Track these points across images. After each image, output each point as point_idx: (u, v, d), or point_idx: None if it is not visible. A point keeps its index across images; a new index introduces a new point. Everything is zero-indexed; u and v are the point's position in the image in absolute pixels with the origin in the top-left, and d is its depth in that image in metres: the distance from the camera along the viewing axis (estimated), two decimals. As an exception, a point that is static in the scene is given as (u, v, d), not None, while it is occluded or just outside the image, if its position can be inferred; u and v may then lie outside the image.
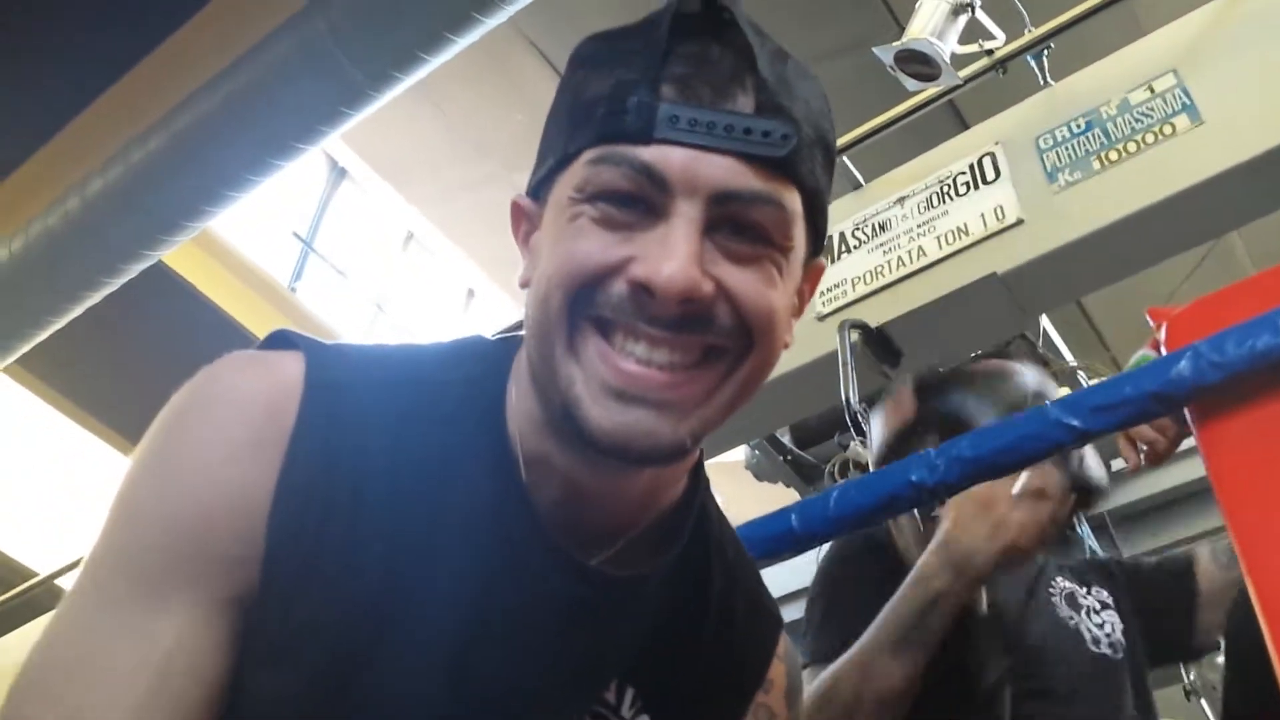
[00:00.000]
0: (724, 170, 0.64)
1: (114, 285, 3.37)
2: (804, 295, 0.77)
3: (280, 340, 0.72)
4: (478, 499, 0.67)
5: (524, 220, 0.75)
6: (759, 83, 0.66)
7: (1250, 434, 0.85)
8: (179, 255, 4.20)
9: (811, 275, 0.77)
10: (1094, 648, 1.31)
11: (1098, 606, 1.37)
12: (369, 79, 2.66)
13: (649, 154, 0.64)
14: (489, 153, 4.83)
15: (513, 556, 0.67)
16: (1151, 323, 1.02)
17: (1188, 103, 2.81)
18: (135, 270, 3.40)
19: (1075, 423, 0.91)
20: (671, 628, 0.75)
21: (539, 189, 0.72)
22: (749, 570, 0.84)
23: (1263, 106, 2.67)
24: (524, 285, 0.72)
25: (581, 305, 0.66)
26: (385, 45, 2.77)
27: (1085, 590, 1.39)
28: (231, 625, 0.61)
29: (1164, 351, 0.95)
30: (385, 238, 5.52)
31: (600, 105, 0.66)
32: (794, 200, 0.67)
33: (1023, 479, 1.10)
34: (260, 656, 0.61)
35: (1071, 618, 1.33)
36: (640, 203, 0.65)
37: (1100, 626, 1.34)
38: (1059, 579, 1.40)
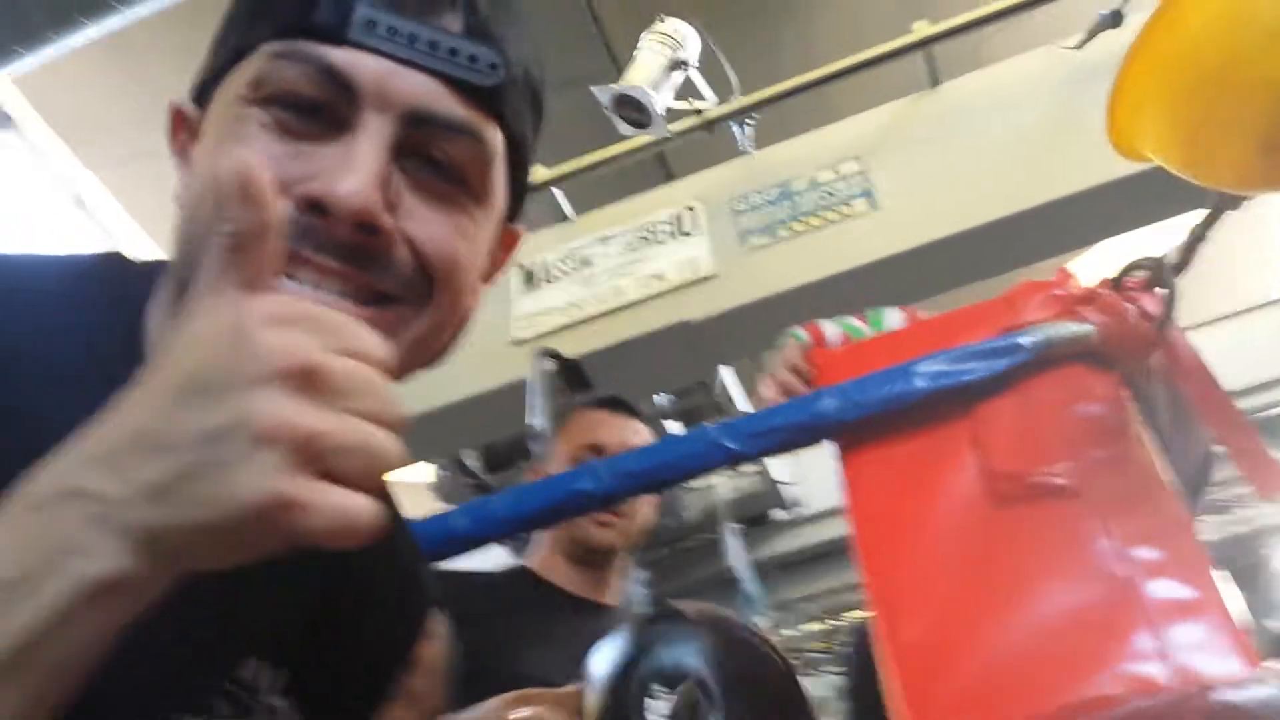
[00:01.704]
0: (424, 89, 0.57)
1: None
2: (497, 261, 0.70)
3: None
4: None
5: (183, 129, 0.65)
6: (470, 4, 0.60)
7: (881, 466, 0.93)
8: None
9: (507, 240, 0.71)
10: None
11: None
12: (50, 20, 2.41)
13: (339, 57, 0.56)
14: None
15: None
16: (809, 367, 1.10)
17: (868, 189, 3.09)
18: None
19: (733, 445, 0.97)
20: (314, 604, 0.66)
21: (205, 91, 0.63)
22: (404, 545, 0.76)
23: (933, 200, 2.98)
24: (178, 192, 0.63)
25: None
26: (77, -12, 2.53)
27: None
28: None
29: (811, 387, 1.03)
30: (52, 198, 5.01)
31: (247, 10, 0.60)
32: (496, 139, 0.61)
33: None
34: None
35: None
36: (321, 112, 0.57)
37: None
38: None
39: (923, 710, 0.77)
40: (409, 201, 0.58)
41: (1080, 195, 2.76)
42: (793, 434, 0.96)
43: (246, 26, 0.61)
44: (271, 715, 0.63)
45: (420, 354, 0.62)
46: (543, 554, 1.51)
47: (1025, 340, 0.93)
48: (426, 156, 0.59)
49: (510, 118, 0.63)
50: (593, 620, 1.41)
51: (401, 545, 0.75)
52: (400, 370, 0.59)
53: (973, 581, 0.83)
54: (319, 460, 0.37)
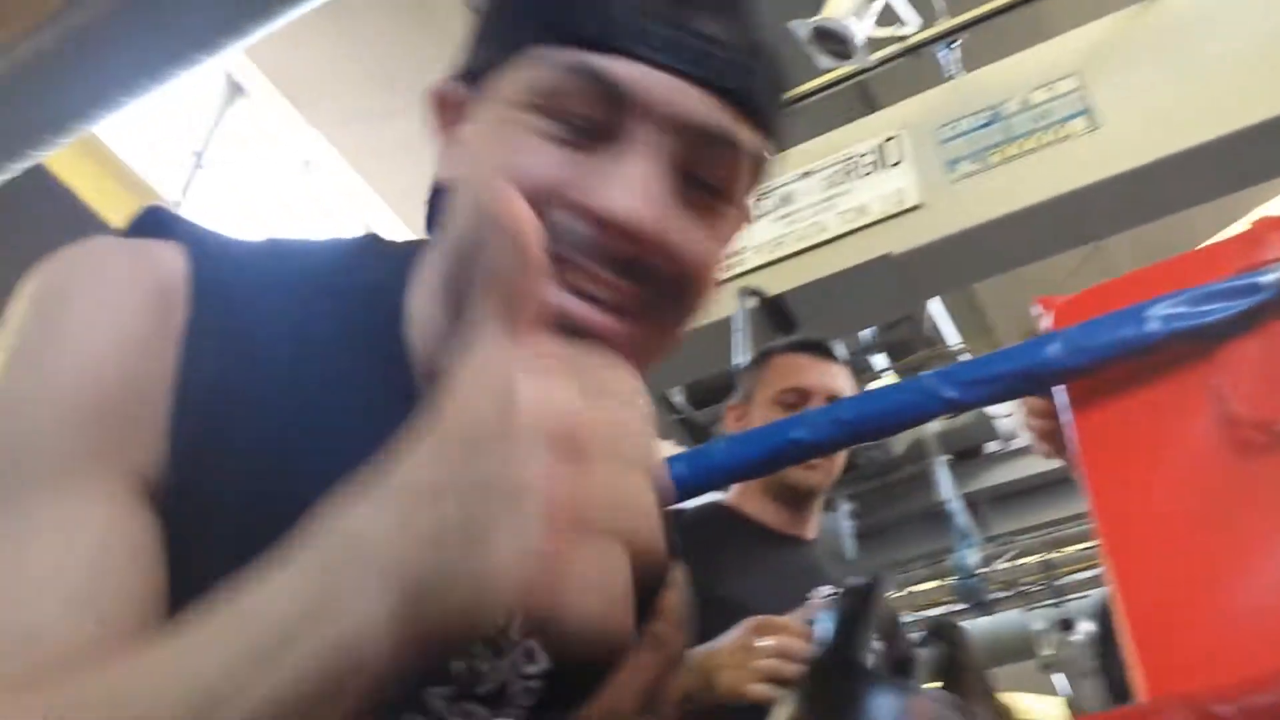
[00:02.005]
0: (702, 107, 0.57)
1: (-8, 183, 3.21)
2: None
3: (153, 224, 0.63)
4: (374, 419, 0.57)
5: (449, 108, 0.65)
6: (738, 10, 0.59)
7: (1113, 415, 0.91)
8: (66, 162, 4.01)
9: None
10: None
11: None
12: (280, -6, 2.58)
13: (622, 71, 0.56)
14: (397, 83, 4.72)
15: None
16: (1038, 310, 1.07)
17: (1086, 107, 2.93)
18: (17, 169, 3.24)
19: (951, 394, 0.96)
20: None
21: (475, 77, 0.63)
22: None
23: (1158, 116, 2.79)
24: (443, 184, 0.63)
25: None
26: (299, -39, 2.69)
27: None
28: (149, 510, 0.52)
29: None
30: (282, 162, 5.36)
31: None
32: (756, 143, 0.60)
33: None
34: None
35: None
36: (598, 123, 0.57)
37: None
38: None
39: (1158, 666, 0.76)
40: (673, 213, 0.58)
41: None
42: (1015, 382, 0.95)
43: (516, 19, 0.60)
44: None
45: (666, 352, 0.62)
46: (741, 490, 1.54)
47: (1267, 279, 0.88)
48: (695, 169, 0.59)
49: (776, 128, 0.62)
50: (793, 554, 1.44)
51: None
52: (643, 370, 0.59)
53: (1212, 535, 0.81)
54: (580, 518, 0.39)
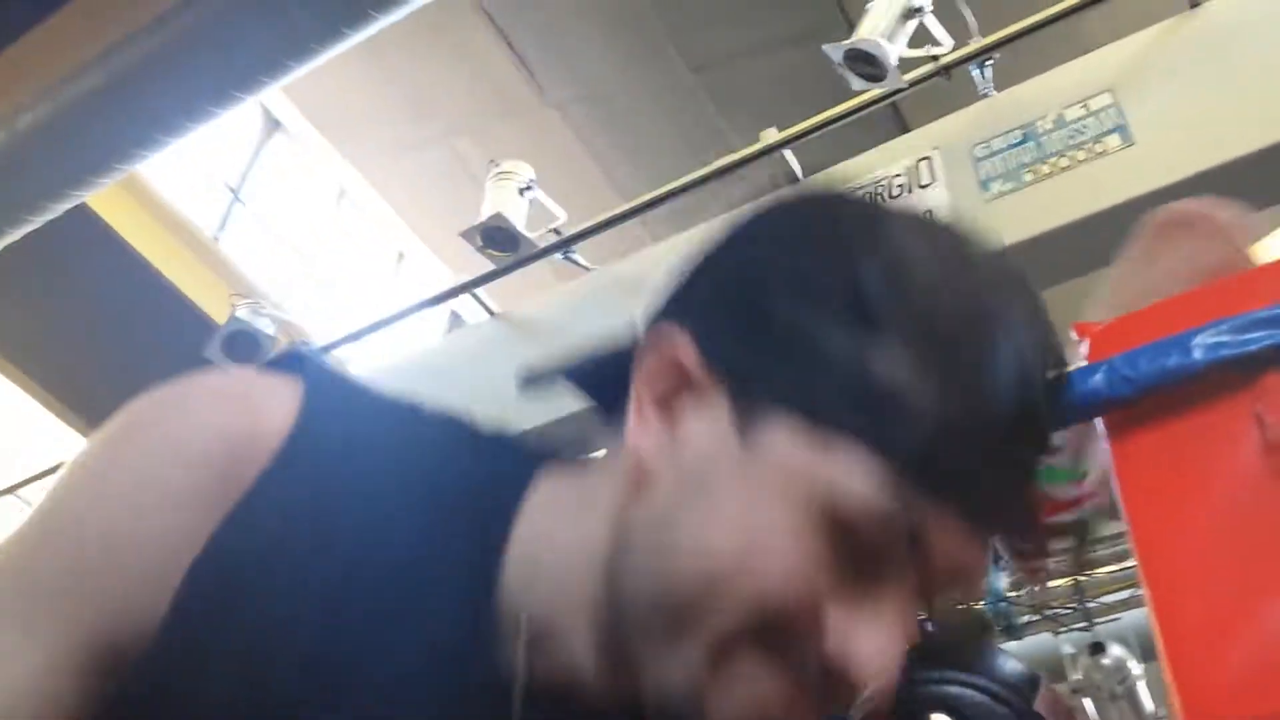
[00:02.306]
0: (980, 556, 0.53)
1: (36, 223, 3.28)
2: None
3: (289, 363, 0.59)
4: (439, 637, 0.53)
5: (676, 374, 0.53)
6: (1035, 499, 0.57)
7: (1154, 443, 0.90)
8: (103, 198, 4.09)
9: None
10: None
11: None
12: (316, 32, 2.62)
13: (933, 523, 0.50)
14: (430, 115, 4.78)
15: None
16: (1075, 337, 1.06)
17: (1121, 123, 2.91)
18: (59, 209, 3.31)
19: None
20: None
21: (732, 374, 0.52)
22: None
23: (1192, 132, 2.77)
24: (640, 454, 0.52)
25: (746, 622, 0.49)
26: None
27: None
28: (98, 678, 0.51)
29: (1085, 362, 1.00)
30: (317, 194, 5.43)
31: (898, 403, 0.49)
32: None
33: None
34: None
35: None
36: (875, 549, 0.50)
37: None
38: None
39: (1196, 696, 0.75)
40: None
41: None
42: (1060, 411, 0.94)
43: (844, 394, 0.50)
44: None
45: None
46: None
47: (1313, 305, 0.87)
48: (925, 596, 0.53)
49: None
50: None
51: None
52: None
53: (1254, 563, 0.79)
54: None
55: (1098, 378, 0.95)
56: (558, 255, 3.56)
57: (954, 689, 1.07)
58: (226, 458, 0.53)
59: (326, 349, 3.99)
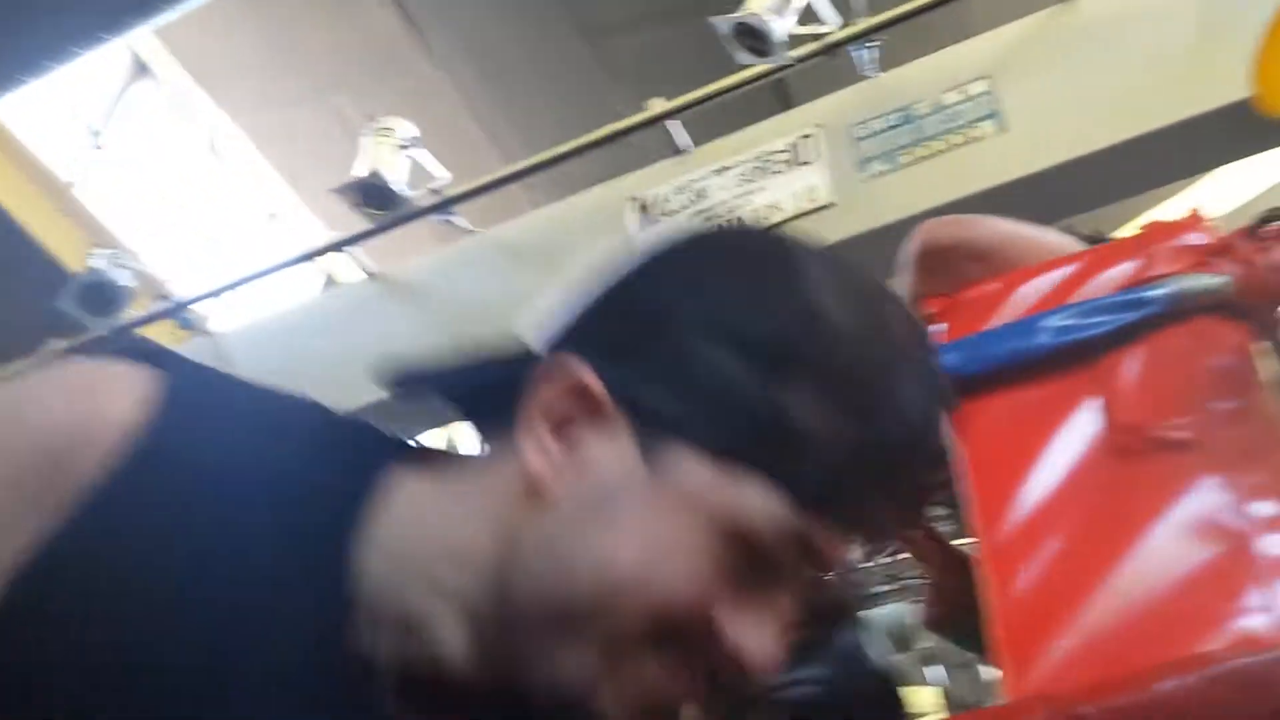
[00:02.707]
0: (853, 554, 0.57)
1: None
2: None
3: (154, 357, 0.57)
4: (295, 631, 0.53)
5: (577, 401, 0.55)
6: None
7: (998, 417, 0.94)
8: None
9: None
10: None
11: None
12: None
13: (829, 542, 0.54)
14: (312, 69, 4.62)
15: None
16: (928, 309, 1.10)
17: (996, 110, 3.00)
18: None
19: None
20: None
21: (649, 415, 0.54)
22: None
23: (1066, 120, 2.87)
24: (536, 474, 0.54)
25: (644, 627, 0.53)
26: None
27: None
28: None
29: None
30: (187, 144, 5.21)
31: (801, 439, 0.52)
32: None
33: None
34: None
35: None
36: (773, 562, 0.54)
37: None
38: None
39: (1025, 666, 0.79)
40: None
41: (1220, 112, 2.63)
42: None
43: (746, 427, 0.53)
44: None
45: None
46: None
47: (1156, 294, 0.91)
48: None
49: None
50: None
51: None
52: None
53: (1086, 536, 0.84)
54: None
55: (954, 355, 0.98)
56: (437, 216, 3.50)
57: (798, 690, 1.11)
58: (58, 454, 0.52)
59: (189, 303, 3.85)
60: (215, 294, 3.81)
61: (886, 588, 4.76)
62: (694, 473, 0.53)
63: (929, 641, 4.40)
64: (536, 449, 0.55)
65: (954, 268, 1.13)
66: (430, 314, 3.52)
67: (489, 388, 0.59)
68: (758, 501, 0.52)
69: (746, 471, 0.53)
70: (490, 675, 0.55)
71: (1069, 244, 1.15)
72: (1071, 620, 0.80)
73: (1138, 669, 0.71)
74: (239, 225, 5.29)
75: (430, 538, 0.56)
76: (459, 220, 3.54)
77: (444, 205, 3.46)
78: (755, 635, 0.53)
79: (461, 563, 0.55)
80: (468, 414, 0.64)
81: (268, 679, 0.52)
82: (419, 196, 3.42)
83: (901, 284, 1.23)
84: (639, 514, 0.53)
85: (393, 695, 0.55)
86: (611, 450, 0.55)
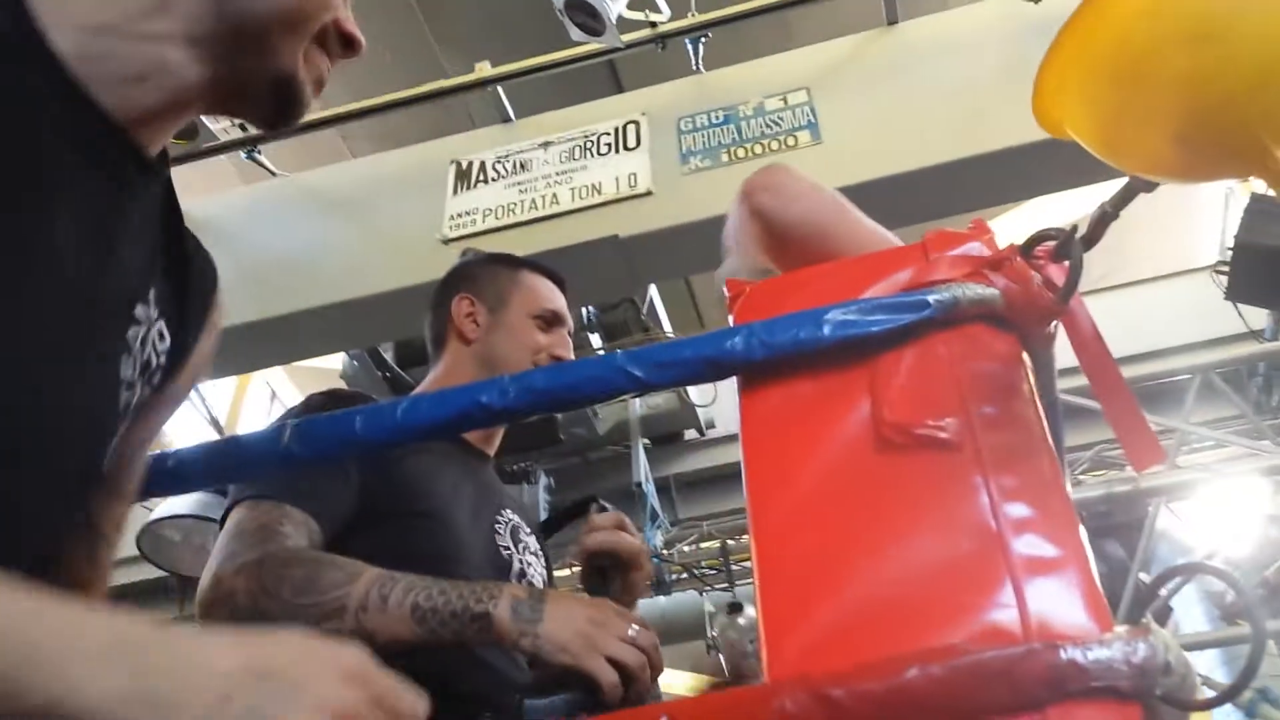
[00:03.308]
0: None
1: None
2: None
3: None
4: None
5: None
6: None
7: (778, 405, 0.96)
8: None
9: None
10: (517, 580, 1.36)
11: (535, 549, 1.43)
12: None
13: None
14: None
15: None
16: (727, 293, 1.11)
17: (813, 121, 3.09)
18: None
19: (639, 373, 0.98)
20: (168, 239, 0.81)
21: None
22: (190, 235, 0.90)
23: (878, 139, 2.99)
24: None
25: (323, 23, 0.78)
26: None
27: (528, 532, 1.44)
28: None
29: (731, 320, 1.04)
30: None
31: None
32: None
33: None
34: None
35: (507, 549, 1.37)
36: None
37: (530, 567, 1.40)
38: (508, 511, 1.43)
39: (785, 649, 0.81)
40: None
41: (1026, 148, 2.78)
42: (699, 368, 0.97)
43: None
44: (161, 340, 0.80)
45: None
46: None
47: (933, 298, 0.95)
48: None
49: None
50: (482, 468, 1.47)
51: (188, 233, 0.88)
52: None
53: (847, 526, 0.86)
54: None
55: (736, 340, 1.00)
56: (242, 153, 3.31)
57: None
58: None
59: None
60: None
61: (681, 575, 4.85)
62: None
63: (716, 630, 4.53)
64: None
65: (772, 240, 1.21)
66: (227, 254, 3.34)
67: None
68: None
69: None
70: (219, 81, 0.74)
71: (879, 239, 1.18)
72: (830, 606, 0.82)
73: (889, 656, 0.73)
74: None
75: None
76: (264, 160, 3.37)
77: (249, 142, 3.29)
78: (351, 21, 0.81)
79: (164, 10, 0.71)
80: None
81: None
82: (222, 130, 3.23)
83: (741, 252, 1.26)
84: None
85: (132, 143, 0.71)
86: None
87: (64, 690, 0.50)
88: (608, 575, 1.24)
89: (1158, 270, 4.90)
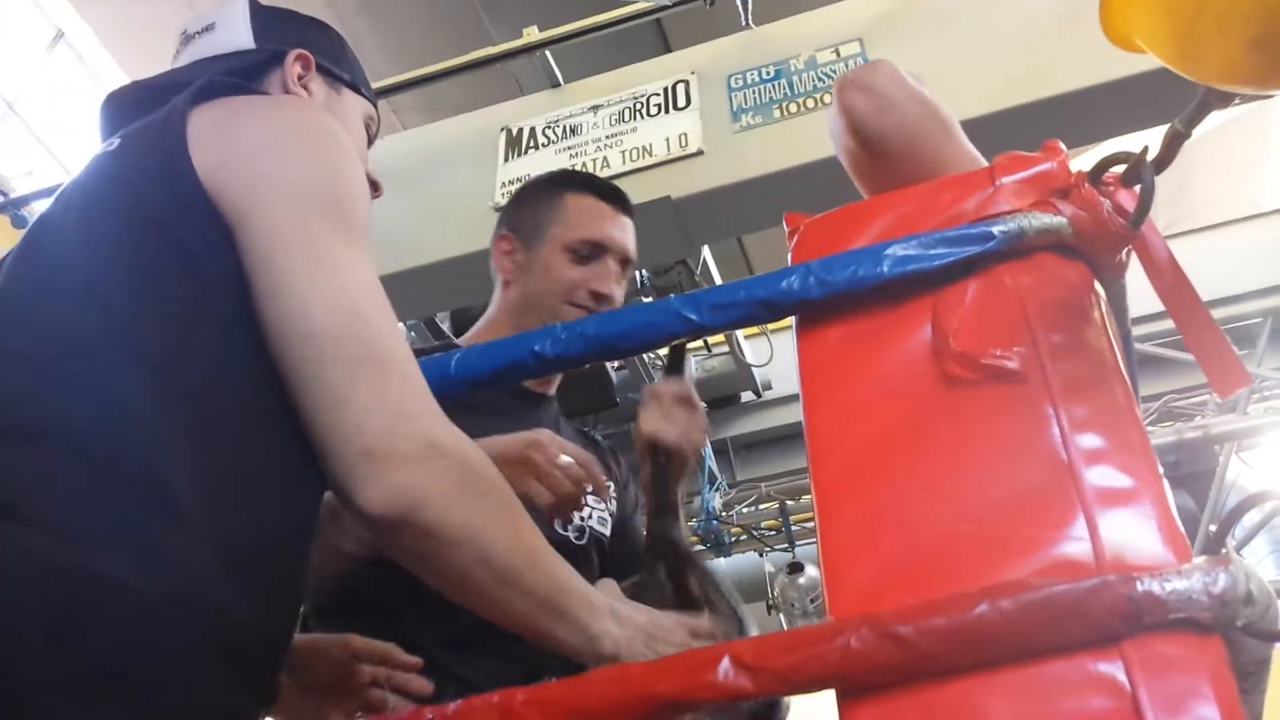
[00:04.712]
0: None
1: None
2: None
3: None
4: None
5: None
6: None
7: (837, 343, 0.93)
8: None
9: None
10: (559, 530, 1.28)
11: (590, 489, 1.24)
12: None
13: None
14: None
15: None
16: (786, 227, 1.09)
17: (865, 73, 3.02)
18: None
19: (693, 316, 0.96)
20: None
21: None
22: None
23: (935, 89, 2.91)
24: None
25: None
26: None
27: None
28: None
29: (790, 257, 1.02)
30: (27, 34, 4.84)
31: None
32: None
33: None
34: None
35: None
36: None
37: (589, 516, 1.34)
38: None
39: (848, 586, 0.79)
40: None
41: (1088, 91, 2.69)
42: (755, 308, 0.95)
43: None
44: None
45: None
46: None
47: (998, 229, 0.92)
48: None
49: None
50: (539, 410, 1.41)
51: None
52: None
53: (911, 462, 0.84)
54: None
55: (793, 279, 0.97)
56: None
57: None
58: None
59: (23, 201, 3.60)
60: (49, 193, 3.56)
61: (741, 537, 4.85)
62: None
63: (778, 591, 4.52)
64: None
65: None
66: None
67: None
68: None
69: None
70: None
71: (967, 160, 1.12)
72: (895, 543, 0.80)
73: (957, 592, 0.71)
74: (76, 123, 4.95)
75: None
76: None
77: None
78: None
79: None
80: None
81: None
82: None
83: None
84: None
85: None
86: None
87: (589, 619, 0.82)
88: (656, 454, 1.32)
89: (1224, 218, 4.74)
